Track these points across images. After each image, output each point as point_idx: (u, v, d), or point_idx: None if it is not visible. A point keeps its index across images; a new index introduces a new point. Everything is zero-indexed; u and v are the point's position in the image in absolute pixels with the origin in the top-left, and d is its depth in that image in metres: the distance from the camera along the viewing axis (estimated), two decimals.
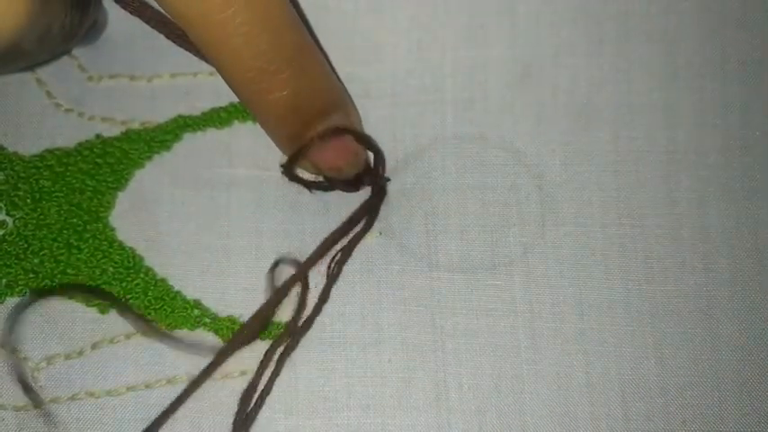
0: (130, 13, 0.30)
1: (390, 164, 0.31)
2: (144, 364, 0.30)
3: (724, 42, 0.31)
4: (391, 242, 0.31)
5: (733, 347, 0.30)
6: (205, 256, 0.31)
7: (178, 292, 0.31)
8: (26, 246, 0.31)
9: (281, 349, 0.30)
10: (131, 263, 0.31)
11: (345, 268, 0.31)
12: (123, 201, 0.31)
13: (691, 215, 0.31)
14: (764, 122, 0.31)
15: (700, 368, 0.30)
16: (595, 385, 0.30)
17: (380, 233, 0.31)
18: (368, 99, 0.32)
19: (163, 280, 0.31)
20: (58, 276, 0.31)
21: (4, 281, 0.31)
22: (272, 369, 0.30)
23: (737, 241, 0.31)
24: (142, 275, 0.31)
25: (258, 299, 0.30)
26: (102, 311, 0.31)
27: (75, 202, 0.31)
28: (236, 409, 0.29)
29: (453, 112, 0.32)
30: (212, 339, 0.30)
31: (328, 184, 0.31)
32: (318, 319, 0.30)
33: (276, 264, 0.30)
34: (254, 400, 0.29)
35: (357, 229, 0.31)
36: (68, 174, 0.31)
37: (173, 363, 0.30)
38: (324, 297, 0.30)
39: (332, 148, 0.28)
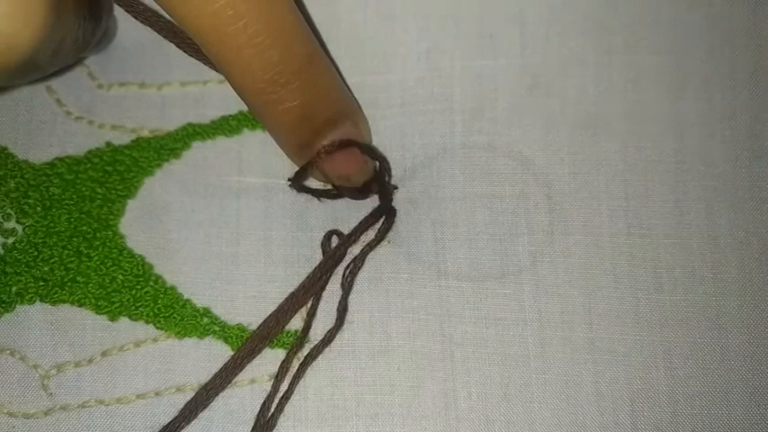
0: (141, 22, 0.30)
1: (399, 173, 0.32)
2: (153, 372, 0.30)
3: (732, 52, 0.31)
4: (400, 251, 0.31)
5: (742, 357, 0.30)
6: (214, 263, 0.31)
7: (188, 300, 0.31)
8: (36, 253, 0.31)
9: (300, 356, 0.30)
10: (141, 270, 0.31)
11: None
12: (133, 208, 0.31)
13: (699, 224, 0.31)
14: None
15: (709, 377, 0.30)
16: (604, 394, 0.30)
17: (389, 241, 0.31)
18: (377, 108, 0.32)
19: (172, 288, 0.31)
20: (68, 284, 0.31)
21: (14, 288, 0.31)
22: (290, 376, 0.30)
23: (746, 251, 0.31)
24: (152, 283, 0.31)
25: (267, 307, 0.30)
26: (112, 319, 0.31)
27: (86, 209, 0.31)
28: (248, 417, 0.29)
29: (462, 122, 0.32)
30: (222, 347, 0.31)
31: (337, 192, 0.31)
32: (327, 329, 0.30)
33: (329, 234, 0.31)
34: (273, 407, 0.29)
35: (368, 239, 0.31)
36: (78, 181, 0.32)
37: (182, 371, 0.30)
38: (342, 307, 0.30)
39: (340, 156, 0.28)
